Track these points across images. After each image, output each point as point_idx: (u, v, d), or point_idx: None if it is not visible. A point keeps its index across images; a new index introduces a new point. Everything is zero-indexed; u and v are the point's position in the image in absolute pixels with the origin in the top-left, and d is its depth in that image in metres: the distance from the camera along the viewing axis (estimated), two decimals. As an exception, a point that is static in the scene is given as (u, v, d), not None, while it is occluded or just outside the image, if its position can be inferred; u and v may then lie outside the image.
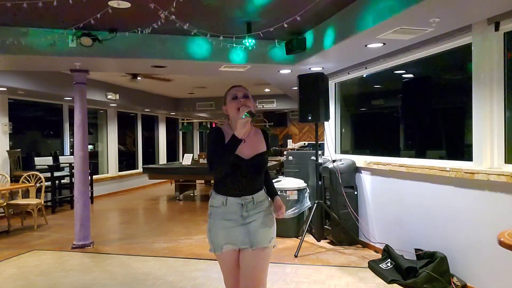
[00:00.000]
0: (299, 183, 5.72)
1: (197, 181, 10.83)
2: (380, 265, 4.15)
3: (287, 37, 4.99)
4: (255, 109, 2.35)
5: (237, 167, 2.23)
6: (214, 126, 17.11)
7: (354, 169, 5.23)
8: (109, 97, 9.02)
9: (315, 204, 5.14)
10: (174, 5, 3.52)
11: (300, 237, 5.14)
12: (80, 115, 5.32)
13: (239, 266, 2.31)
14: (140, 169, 11.18)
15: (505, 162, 3.32)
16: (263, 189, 2.39)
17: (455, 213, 3.65)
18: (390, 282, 3.81)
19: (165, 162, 12.87)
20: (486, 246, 3.29)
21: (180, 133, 15.14)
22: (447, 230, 3.75)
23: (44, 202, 6.97)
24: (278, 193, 2.52)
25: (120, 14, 4.12)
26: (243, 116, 2.14)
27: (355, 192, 5.20)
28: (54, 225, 6.75)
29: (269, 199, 2.42)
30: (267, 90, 10.34)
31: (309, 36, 4.82)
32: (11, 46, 4.44)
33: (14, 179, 7.19)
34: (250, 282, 2.27)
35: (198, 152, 15.43)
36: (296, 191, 5.58)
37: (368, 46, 4.24)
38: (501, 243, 2.02)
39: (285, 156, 7.10)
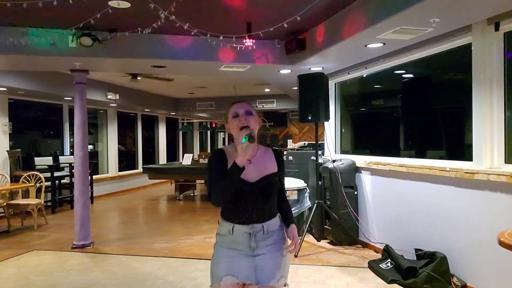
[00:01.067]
0: (299, 183, 5.71)
1: (197, 181, 10.82)
2: (380, 265, 4.15)
3: (287, 37, 4.99)
4: (260, 125, 2.08)
5: (241, 192, 1.96)
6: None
7: (354, 169, 5.23)
8: (109, 97, 9.01)
9: (315, 204, 5.14)
10: (174, 5, 3.52)
11: (300, 237, 5.14)
12: (80, 115, 5.32)
13: None
14: (140, 169, 11.18)
15: (505, 162, 3.32)
16: (276, 216, 2.08)
17: (455, 213, 3.65)
18: (390, 282, 3.81)
19: (165, 162, 12.87)
20: (486, 246, 3.29)
21: (180, 133, 15.14)
22: (447, 230, 3.75)
23: (44, 202, 6.97)
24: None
25: (120, 14, 4.12)
26: (243, 140, 1.86)
27: (355, 192, 5.20)
28: (54, 225, 6.75)
29: (284, 228, 2.10)
30: (267, 90, 10.34)
31: (309, 36, 4.82)
32: (11, 46, 4.44)
33: (14, 179, 7.18)
34: None
35: (198, 152, 15.43)
36: (296, 191, 5.58)
37: (368, 46, 4.24)
38: (501, 243, 2.02)
39: (285, 156, 7.10)
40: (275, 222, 2.06)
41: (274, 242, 2.03)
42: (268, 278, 1.97)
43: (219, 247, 2.05)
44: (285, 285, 2.05)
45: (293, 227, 2.09)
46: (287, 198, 2.23)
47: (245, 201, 1.97)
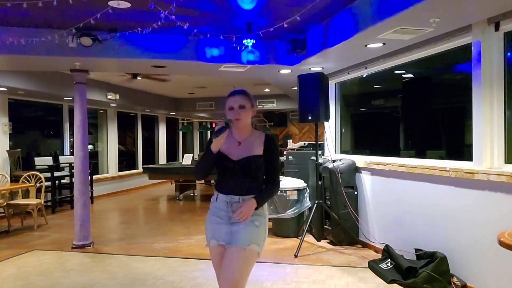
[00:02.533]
0: (299, 183, 5.71)
1: (197, 181, 10.83)
2: (380, 265, 4.15)
3: (287, 37, 4.99)
4: (255, 113, 2.39)
5: (225, 167, 2.34)
6: (214, 126, 17.14)
7: (354, 169, 5.23)
8: (109, 97, 9.02)
9: (315, 204, 5.14)
10: (174, 5, 3.52)
11: (300, 237, 5.14)
12: (80, 115, 5.32)
13: None
14: (140, 169, 11.18)
15: (505, 162, 3.32)
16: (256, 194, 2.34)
17: (455, 213, 3.65)
18: (390, 282, 3.81)
19: (165, 162, 12.87)
20: (486, 246, 3.29)
21: (180, 133, 15.13)
22: (447, 230, 3.75)
23: (44, 202, 6.97)
24: (265, 203, 2.39)
25: (120, 14, 4.12)
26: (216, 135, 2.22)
27: (355, 192, 5.20)
28: (54, 225, 6.75)
29: (264, 208, 2.39)
30: (267, 90, 10.34)
31: (309, 36, 4.82)
32: (11, 46, 4.44)
33: (14, 179, 7.19)
34: (225, 281, 2.25)
35: (198, 152, 15.43)
36: (296, 191, 5.58)
37: (368, 46, 4.24)
38: (501, 243, 2.03)
39: (285, 156, 7.10)
40: (252, 197, 2.33)
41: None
42: (237, 240, 2.27)
43: (209, 214, 2.43)
44: (258, 254, 2.31)
45: (251, 201, 2.28)
46: (279, 185, 2.47)
47: (227, 175, 2.35)
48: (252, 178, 2.34)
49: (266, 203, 2.42)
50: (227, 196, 2.34)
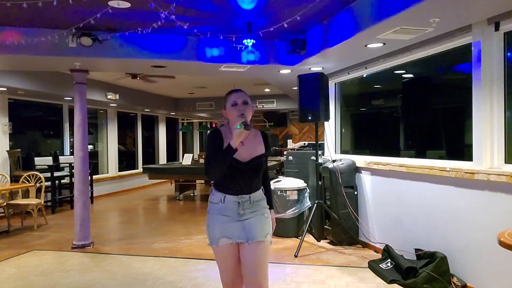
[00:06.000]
0: (299, 183, 5.71)
1: (197, 181, 10.82)
2: (380, 265, 4.15)
3: (287, 37, 4.99)
4: (253, 112, 2.42)
5: (236, 169, 2.31)
6: (214, 126, 17.15)
7: (354, 169, 5.23)
8: (109, 97, 9.01)
9: (315, 204, 5.14)
10: (174, 5, 3.52)
11: (300, 237, 5.14)
12: (80, 115, 5.32)
13: (237, 261, 2.38)
14: (140, 169, 11.18)
15: (505, 162, 3.32)
16: (260, 189, 2.45)
17: (455, 213, 3.65)
18: (390, 282, 3.81)
19: (165, 162, 12.87)
20: (486, 246, 3.29)
21: (180, 133, 15.14)
22: (447, 230, 3.75)
23: (44, 202, 6.97)
24: (276, 197, 2.58)
25: (120, 14, 4.12)
26: (238, 127, 2.20)
27: (355, 192, 5.20)
28: (54, 225, 6.75)
29: (266, 199, 2.47)
30: (267, 90, 10.34)
31: (309, 36, 4.82)
32: (11, 46, 4.44)
33: (14, 179, 7.19)
34: (253, 277, 2.34)
35: (198, 152, 15.42)
36: (296, 191, 5.58)
37: (368, 46, 4.24)
38: (501, 243, 2.03)
39: (285, 156, 7.10)
40: (259, 193, 2.43)
41: (258, 209, 2.40)
42: (255, 235, 2.33)
43: (212, 213, 2.40)
44: (271, 243, 2.42)
45: (272, 213, 2.50)
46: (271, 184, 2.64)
47: (237, 176, 2.33)
48: (259, 176, 2.42)
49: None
50: (237, 197, 2.34)
